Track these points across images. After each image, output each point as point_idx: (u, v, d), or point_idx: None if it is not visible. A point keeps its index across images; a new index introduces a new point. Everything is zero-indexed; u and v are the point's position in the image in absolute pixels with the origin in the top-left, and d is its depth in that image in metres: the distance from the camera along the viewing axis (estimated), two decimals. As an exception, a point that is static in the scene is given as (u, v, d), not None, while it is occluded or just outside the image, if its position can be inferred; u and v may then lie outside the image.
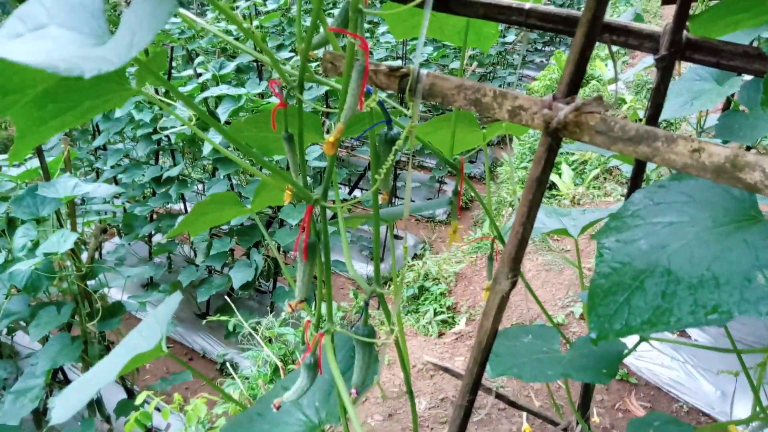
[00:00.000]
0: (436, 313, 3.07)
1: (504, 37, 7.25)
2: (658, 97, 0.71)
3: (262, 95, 3.75)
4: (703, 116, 2.85)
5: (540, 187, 0.59)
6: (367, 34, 5.72)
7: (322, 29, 0.67)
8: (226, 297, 3.38)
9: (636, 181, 0.86)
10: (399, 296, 0.72)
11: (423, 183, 6.05)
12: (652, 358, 2.19)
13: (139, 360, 0.65)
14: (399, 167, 5.33)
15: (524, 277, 0.96)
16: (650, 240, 0.57)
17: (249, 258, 3.89)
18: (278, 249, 4.14)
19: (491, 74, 6.90)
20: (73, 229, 2.67)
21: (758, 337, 1.97)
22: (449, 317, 3.05)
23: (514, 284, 0.64)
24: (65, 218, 2.72)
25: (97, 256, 4.71)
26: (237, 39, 4.01)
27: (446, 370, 1.38)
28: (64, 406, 0.63)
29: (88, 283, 2.83)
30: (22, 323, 2.82)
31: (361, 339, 0.77)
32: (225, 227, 4.12)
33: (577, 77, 0.54)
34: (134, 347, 0.66)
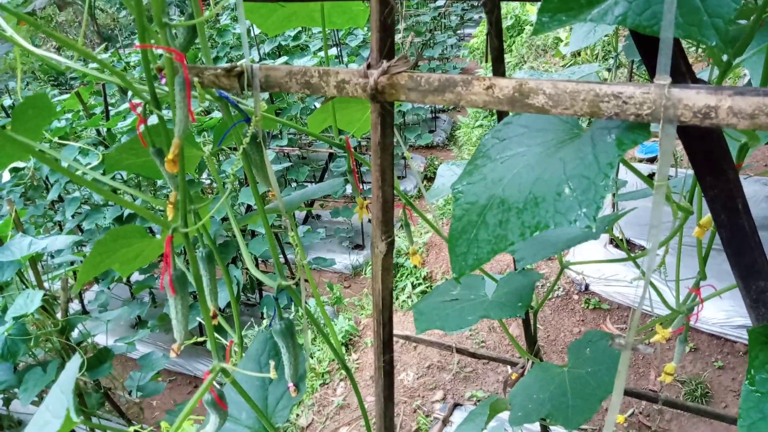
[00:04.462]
0: (414, 286, 3.13)
1: (434, 2, 7.24)
2: (493, 42, 0.74)
3: (207, 112, 3.71)
4: (619, 41, 2.91)
5: (385, 152, 0.62)
6: (301, 28, 5.69)
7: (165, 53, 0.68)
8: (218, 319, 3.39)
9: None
10: (304, 280, 0.75)
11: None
12: (619, 282, 2.26)
13: (50, 442, 0.61)
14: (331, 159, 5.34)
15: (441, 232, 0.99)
16: (493, 176, 0.61)
17: (228, 275, 3.90)
18: (255, 260, 4.16)
19: (430, 41, 6.89)
20: (39, 287, 2.67)
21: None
22: (427, 287, 3.11)
23: (390, 245, 0.68)
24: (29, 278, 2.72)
25: (79, 307, 4.70)
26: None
27: (407, 338, 1.42)
28: None
29: (74, 335, 2.84)
30: (16, 390, 2.81)
31: (281, 334, 0.80)
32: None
33: (383, 42, 0.57)
34: (43, 425, 0.63)
